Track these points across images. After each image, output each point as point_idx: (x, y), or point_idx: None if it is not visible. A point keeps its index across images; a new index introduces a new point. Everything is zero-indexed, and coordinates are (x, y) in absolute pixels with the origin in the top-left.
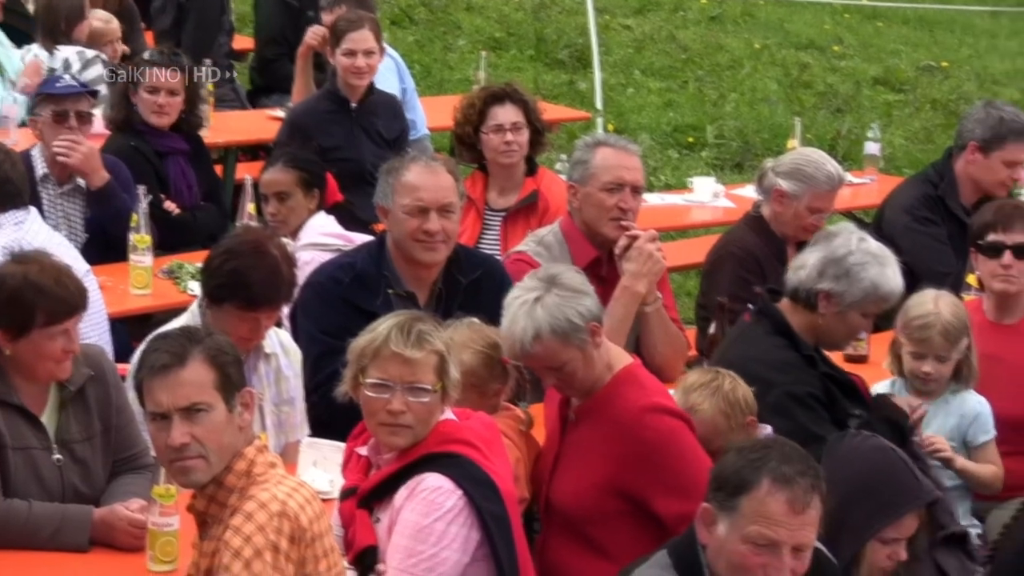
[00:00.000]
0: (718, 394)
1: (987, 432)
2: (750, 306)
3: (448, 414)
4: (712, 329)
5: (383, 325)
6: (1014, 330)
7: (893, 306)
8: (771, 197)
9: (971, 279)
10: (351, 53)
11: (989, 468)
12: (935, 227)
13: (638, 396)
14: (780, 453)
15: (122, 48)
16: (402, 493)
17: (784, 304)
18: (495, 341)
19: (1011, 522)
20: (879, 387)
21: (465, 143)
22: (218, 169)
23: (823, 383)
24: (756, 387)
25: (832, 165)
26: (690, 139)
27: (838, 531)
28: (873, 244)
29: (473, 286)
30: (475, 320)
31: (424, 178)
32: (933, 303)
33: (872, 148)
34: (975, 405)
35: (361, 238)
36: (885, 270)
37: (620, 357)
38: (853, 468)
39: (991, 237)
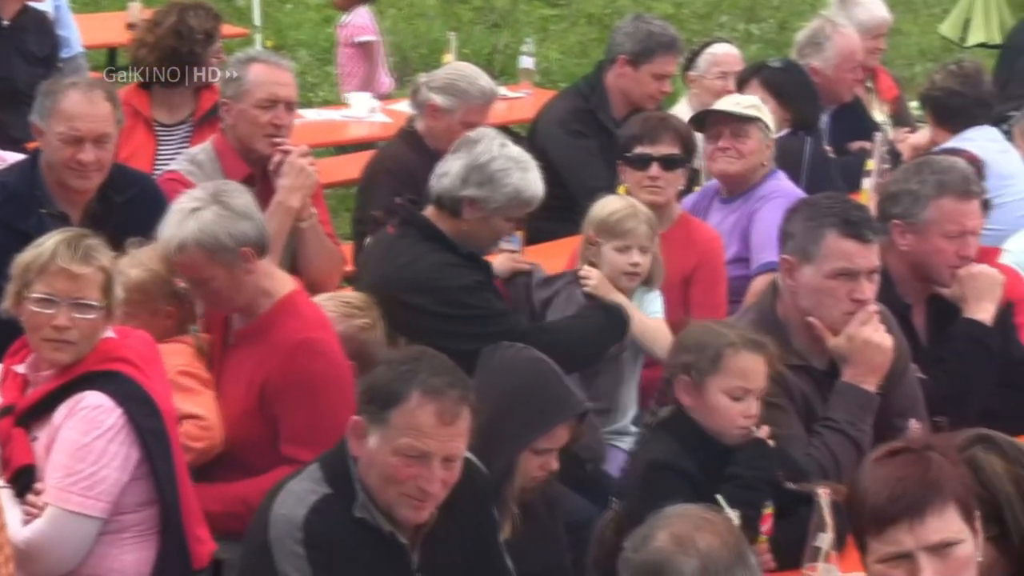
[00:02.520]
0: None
1: None
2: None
3: (109, 332)
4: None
5: (50, 240)
6: (663, 239)
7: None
8: (425, 112)
9: (621, 190)
10: None
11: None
12: (586, 140)
13: (297, 328)
14: (429, 365)
15: None
16: (61, 411)
17: (430, 212)
18: None
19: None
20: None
21: (186, 62)
22: None
23: (487, 275)
24: (429, 292)
25: (485, 80)
26: None
27: (491, 441)
28: (514, 149)
29: (128, 205)
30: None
31: (82, 107)
32: (623, 200)
33: (527, 62)
34: (660, 306)
35: (14, 157)
36: (527, 175)
37: (283, 284)
38: (506, 379)
39: (638, 149)
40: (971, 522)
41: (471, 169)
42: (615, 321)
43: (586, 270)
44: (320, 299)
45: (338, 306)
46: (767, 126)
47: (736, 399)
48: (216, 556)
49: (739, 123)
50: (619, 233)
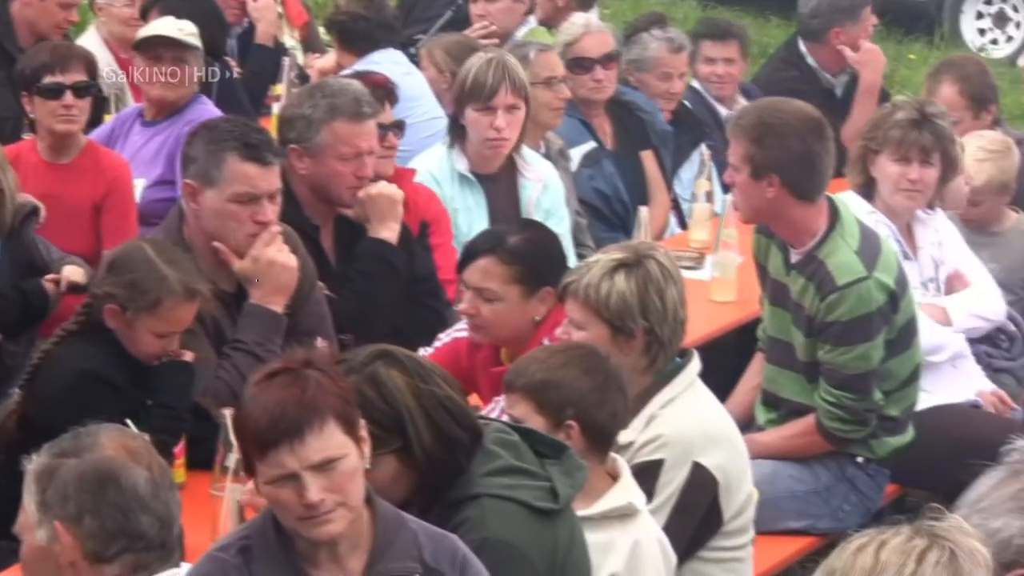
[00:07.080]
0: None
1: None
2: None
3: None
4: None
5: None
6: (68, 169)
7: None
8: None
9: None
10: None
11: None
12: None
13: None
14: None
15: None
16: None
17: None
18: None
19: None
20: None
21: None
22: None
23: None
24: None
25: None
26: None
27: None
28: None
29: None
30: None
31: None
32: None
33: None
34: None
35: None
36: None
37: None
38: None
39: (49, 79)
40: (353, 434)
41: None
42: (36, 304)
43: None
44: None
45: None
46: (203, 54)
47: (162, 337)
48: None
49: (180, 49)
50: None
